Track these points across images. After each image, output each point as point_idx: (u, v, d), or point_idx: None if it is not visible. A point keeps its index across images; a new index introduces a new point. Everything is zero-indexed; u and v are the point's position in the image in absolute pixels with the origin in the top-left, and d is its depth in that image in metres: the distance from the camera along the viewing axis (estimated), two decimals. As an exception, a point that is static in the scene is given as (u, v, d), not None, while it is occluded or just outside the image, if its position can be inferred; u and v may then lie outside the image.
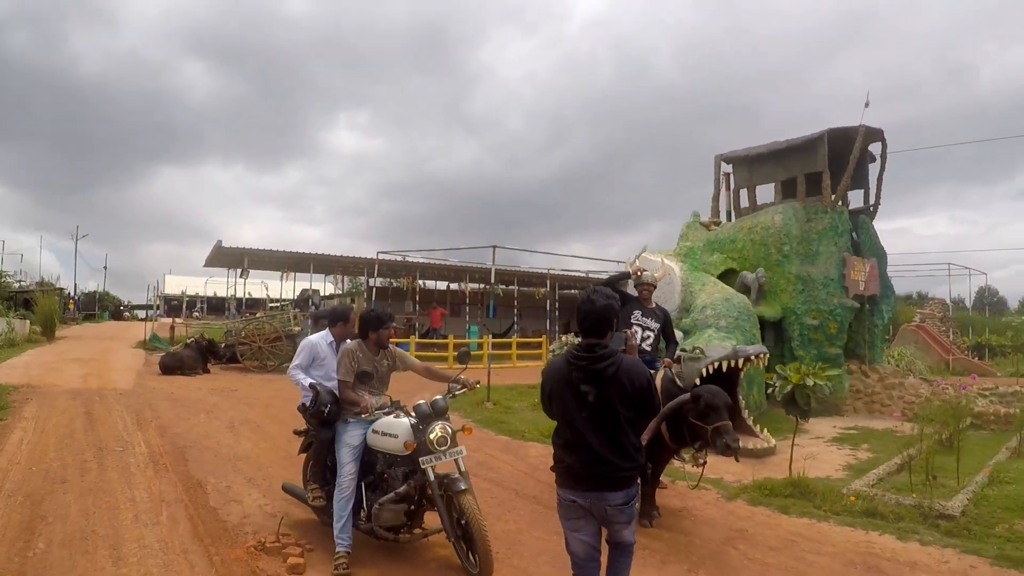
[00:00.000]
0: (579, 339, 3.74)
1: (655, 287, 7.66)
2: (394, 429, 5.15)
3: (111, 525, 5.73)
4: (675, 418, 5.82)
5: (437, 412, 5.15)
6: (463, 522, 4.82)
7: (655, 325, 7.19)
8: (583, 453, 3.54)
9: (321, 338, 6.15)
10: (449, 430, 5.08)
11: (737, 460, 6.12)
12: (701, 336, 11.33)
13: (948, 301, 35.21)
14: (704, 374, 9.71)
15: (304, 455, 6.11)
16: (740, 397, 10.01)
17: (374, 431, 5.31)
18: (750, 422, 9.88)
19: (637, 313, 7.22)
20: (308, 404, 5.60)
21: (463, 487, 4.90)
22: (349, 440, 5.35)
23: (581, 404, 3.55)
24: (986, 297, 53.40)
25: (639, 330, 7.08)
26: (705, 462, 6.30)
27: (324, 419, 5.48)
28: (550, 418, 3.86)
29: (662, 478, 7.40)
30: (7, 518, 5.80)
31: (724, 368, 9.76)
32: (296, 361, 6.09)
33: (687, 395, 5.81)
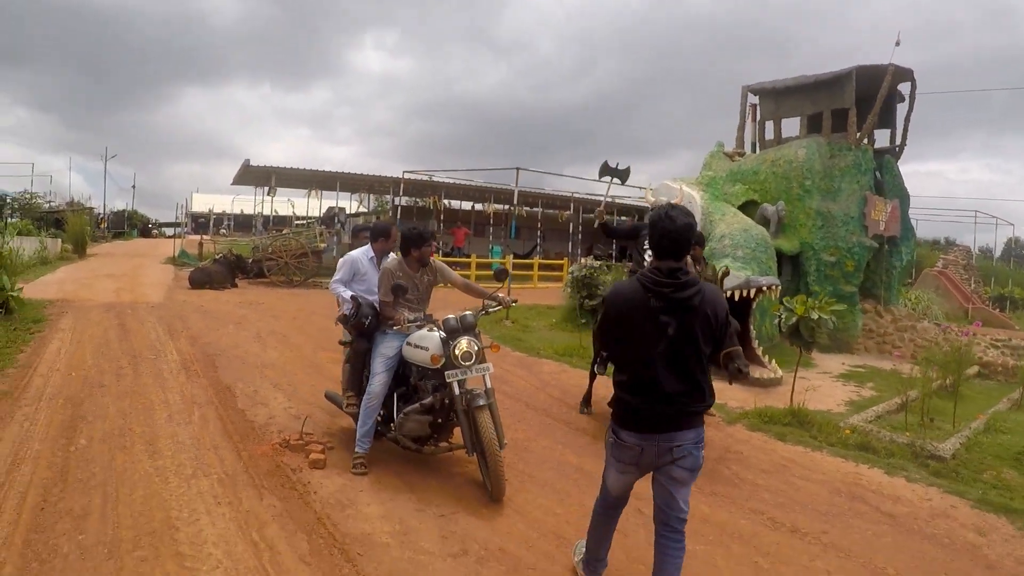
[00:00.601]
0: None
1: None
2: (425, 342, 5.22)
3: (147, 424, 6.15)
4: None
5: (465, 327, 5.21)
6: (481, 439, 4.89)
7: None
8: (654, 391, 3.24)
9: (362, 253, 6.25)
10: (475, 346, 5.13)
11: (730, 383, 6.37)
12: (718, 265, 11.48)
13: (973, 249, 34.79)
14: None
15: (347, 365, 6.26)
16: (751, 327, 10.27)
17: (408, 343, 5.38)
18: (759, 352, 10.16)
19: None
20: (349, 315, 5.79)
21: (481, 403, 4.93)
22: (384, 350, 5.48)
23: (659, 336, 3.20)
24: (1014, 249, 52.54)
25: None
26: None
27: (363, 330, 5.66)
28: (605, 350, 3.62)
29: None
30: (50, 418, 6.22)
31: (736, 297, 10.02)
32: (337, 275, 6.21)
33: None
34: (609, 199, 8.24)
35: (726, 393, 8.31)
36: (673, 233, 3.21)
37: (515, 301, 5.99)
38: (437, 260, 5.94)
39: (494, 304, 5.60)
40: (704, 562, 4.27)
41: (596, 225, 8.15)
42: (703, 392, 3.33)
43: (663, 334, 3.18)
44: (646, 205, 8.05)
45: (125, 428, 6.01)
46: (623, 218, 32.63)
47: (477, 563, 4.03)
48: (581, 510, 4.79)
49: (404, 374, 5.53)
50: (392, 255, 6.00)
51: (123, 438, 5.76)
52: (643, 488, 5.29)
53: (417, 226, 5.88)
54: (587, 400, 7.47)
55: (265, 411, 6.81)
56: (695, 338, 3.21)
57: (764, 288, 10.00)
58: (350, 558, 3.96)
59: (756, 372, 9.41)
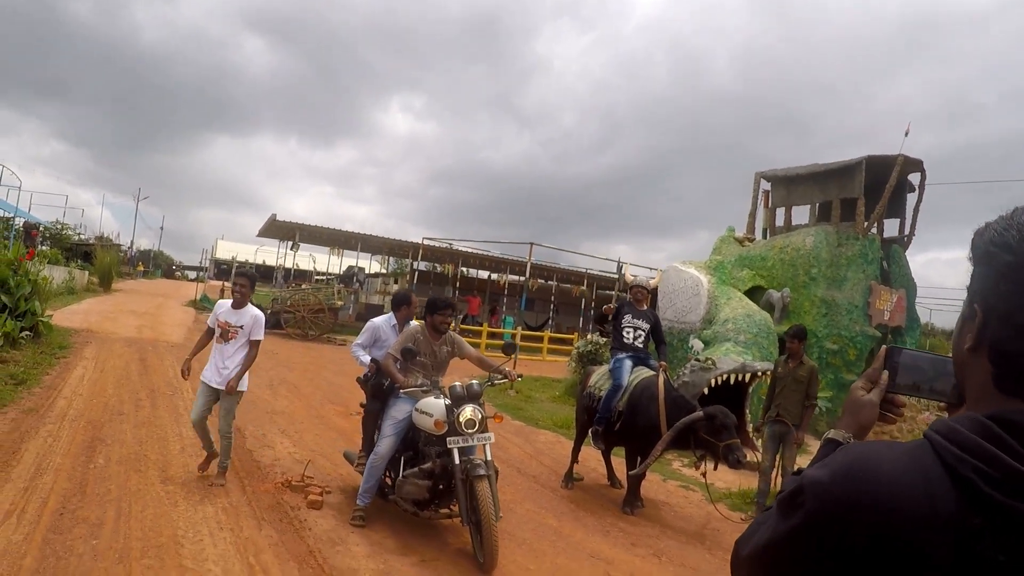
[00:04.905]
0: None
1: (647, 290, 8.01)
2: (430, 408, 5.28)
3: (161, 452, 6.59)
4: (683, 430, 6.41)
5: (471, 396, 5.26)
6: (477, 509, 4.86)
7: (645, 326, 7.53)
8: None
9: (384, 321, 6.43)
10: (479, 414, 5.18)
11: (715, 468, 6.69)
12: (719, 348, 11.79)
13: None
14: (713, 384, 10.31)
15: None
16: (747, 411, 10.54)
17: (417, 409, 5.44)
18: (753, 437, 10.40)
19: (628, 316, 7.54)
20: (369, 376, 6.05)
21: (481, 473, 4.91)
22: (394, 413, 5.57)
23: None
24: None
25: (631, 330, 7.47)
26: (706, 471, 6.86)
27: (379, 393, 5.83)
28: None
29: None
30: (72, 437, 6.72)
31: (732, 381, 10.32)
32: (359, 340, 6.40)
33: (700, 413, 6.39)
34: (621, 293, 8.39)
35: (714, 474, 8.60)
36: None
37: (520, 376, 6.12)
38: (455, 335, 6.04)
39: (499, 377, 5.74)
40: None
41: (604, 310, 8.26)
42: None
43: None
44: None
45: (141, 454, 6.47)
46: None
47: (435, 557, 4.37)
48: (552, 568, 5.13)
49: (413, 439, 5.63)
50: (414, 322, 6.25)
51: (138, 462, 6.21)
52: (612, 552, 5.64)
53: (442, 296, 6.09)
54: (569, 475, 7.63)
55: (271, 453, 7.22)
56: None
57: (759, 374, 10.29)
58: (335, 586, 4.31)
59: (749, 455, 9.65)
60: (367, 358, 6.14)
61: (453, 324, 7.13)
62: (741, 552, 1.14)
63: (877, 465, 0.96)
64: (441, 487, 5.32)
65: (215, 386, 6.04)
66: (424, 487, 5.26)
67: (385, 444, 5.49)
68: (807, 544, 0.98)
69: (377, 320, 6.53)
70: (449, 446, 5.06)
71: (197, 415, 6.03)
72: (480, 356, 6.12)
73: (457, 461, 5.03)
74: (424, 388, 5.50)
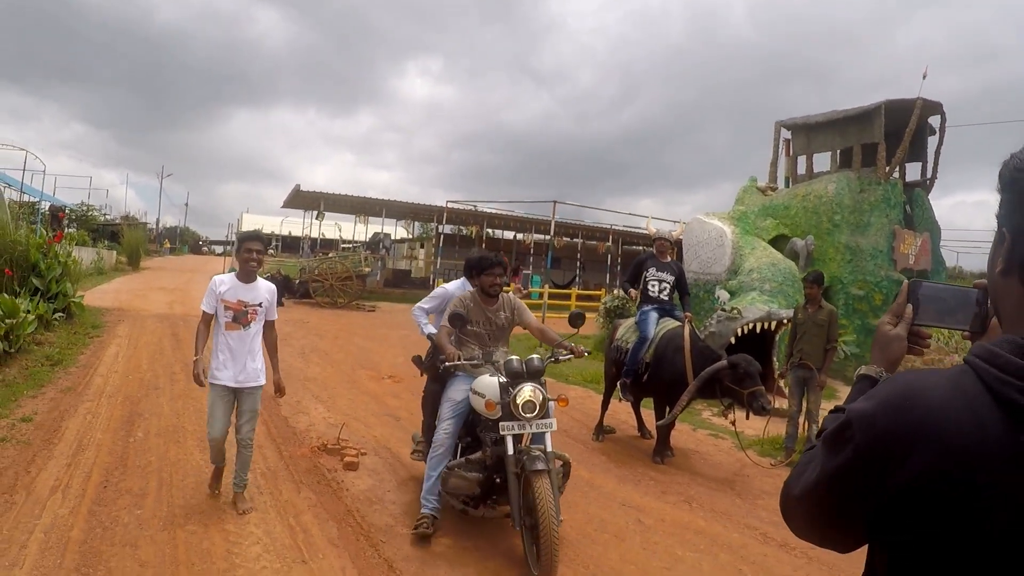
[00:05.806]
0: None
1: (671, 242, 8.00)
2: (483, 388, 4.53)
3: (198, 423, 6.74)
4: (709, 379, 6.48)
5: (530, 373, 4.45)
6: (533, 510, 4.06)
7: (670, 278, 7.57)
8: None
9: (458, 288, 5.62)
10: (540, 395, 4.34)
11: (747, 417, 6.74)
12: (745, 298, 11.78)
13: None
14: (740, 333, 10.34)
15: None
16: (774, 359, 10.55)
17: (472, 390, 4.69)
18: (780, 383, 10.43)
19: (652, 269, 7.58)
20: (424, 357, 5.54)
21: (540, 467, 4.09)
22: (452, 394, 4.83)
23: None
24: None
25: (656, 283, 7.51)
26: (735, 420, 6.94)
27: (436, 376, 5.18)
28: (832, 546, 1.13)
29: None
30: (111, 413, 6.92)
31: (759, 329, 10.34)
32: (423, 304, 5.67)
33: (725, 362, 6.46)
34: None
35: (743, 421, 8.65)
36: None
37: (588, 352, 5.25)
38: (515, 299, 5.27)
39: (564, 352, 4.92)
40: (691, 567, 4.60)
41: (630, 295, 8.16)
42: None
43: None
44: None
45: (178, 425, 6.66)
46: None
47: (482, 555, 4.46)
48: (585, 517, 5.25)
49: (473, 423, 4.87)
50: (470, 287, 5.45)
51: (176, 434, 6.41)
52: (643, 500, 5.73)
53: (488, 253, 5.26)
54: (599, 427, 7.80)
55: (306, 419, 7.39)
56: None
57: (785, 321, 10.28)
58: (373, 544, 4.45)
59: (776, 403, 9.68)
60: (429, 329, 5.49)
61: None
62: (791, 492, 1.15)
63: (923, 393, 0.97)
64: (498, 480, 4.51)
65: (236, 386, 4.81)
66: (474, 481, 4.50)
67: (444, 430, 4.72)
68: (857, 478, 0.99)
69: (450, 286, 5.73)
70: (502, 432, 4.25)
71: (220, 428, 4.83)
72: (542, 327, 5.28)
73: (511, 451, 4.25)
74: (474, 362, 4.67)
